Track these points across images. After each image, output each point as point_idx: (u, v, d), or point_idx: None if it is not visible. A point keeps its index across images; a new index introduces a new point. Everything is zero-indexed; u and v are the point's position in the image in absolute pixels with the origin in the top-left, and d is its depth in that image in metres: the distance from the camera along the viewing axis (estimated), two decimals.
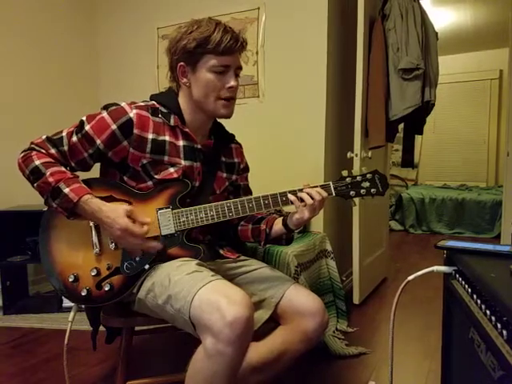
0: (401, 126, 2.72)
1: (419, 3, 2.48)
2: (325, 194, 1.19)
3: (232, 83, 1.22)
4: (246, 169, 1.50)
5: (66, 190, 1.13)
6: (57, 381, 1.64)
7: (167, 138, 1.24)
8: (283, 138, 2.50)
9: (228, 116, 1.28)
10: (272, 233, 1.34)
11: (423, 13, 2.48)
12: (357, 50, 2.33)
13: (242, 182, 1.47)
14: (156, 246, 1.18)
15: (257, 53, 2.54)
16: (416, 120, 2.58)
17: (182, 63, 1.22)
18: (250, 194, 1.49)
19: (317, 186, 1.21)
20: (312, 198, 1.17)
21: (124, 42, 3.10)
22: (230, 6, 2.60)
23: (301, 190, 1.20)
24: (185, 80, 1.24)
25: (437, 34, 2.55)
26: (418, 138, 5.44)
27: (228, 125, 1.42)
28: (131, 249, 1.18)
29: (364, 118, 2.41)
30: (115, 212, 1.13)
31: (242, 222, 1.42)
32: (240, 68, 1.27)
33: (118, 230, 1.12)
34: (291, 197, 1.19)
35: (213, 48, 1.18)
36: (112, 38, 3.16)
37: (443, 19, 4.53)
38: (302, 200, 1.18)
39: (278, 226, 1.32)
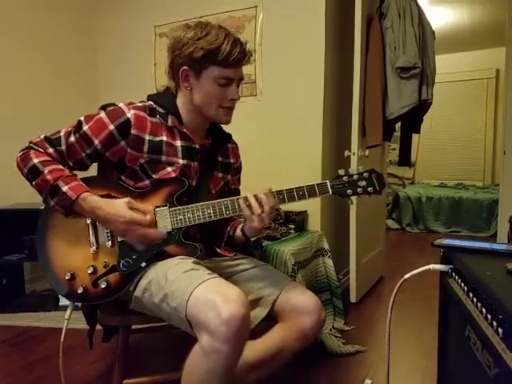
0: (398, 125, 2.72)
1: (416, 2, 2.48)
2: (272, 202, 1.17)
3: (234, 96, 1.23)
4: (239, 169, 1.50)
5: (65, 188, 1.14)
6: (54, 379, 1.64)
7: (164, 138, 1.24)
8: (281, 137, 2.50)
9: (227, 123, 1.30)
10: (235, 237, 1.35)
11: (420, 12, 2.49)
12: (354, 49, 2.33)
13: (233, 186, 1.47)
14: (163, 233, 1.19)
15: (254, 51, 2.54)
16: (413, 119, 2.59)
17: (185, 67, 1.21)
18: None
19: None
20: (261, 206, 1.16)
21: (122, 40, 3.09)
22: (228, 4, 2.60)
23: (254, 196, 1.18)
24: (186, 84, 1.24)
25: (434, 32, 2.55)
26: (415, 136, 5.46)
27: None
28: (137, 240, 1.17)
29: (361, 117, 2.41)
30: (116, 206, 1.13)
31: None
32: (242, 79, 1.28)
33: (123, 224, 1.12)
34: (242, 204, 1.18)
35: (220, 60, 1.17)
36: (110, 36, 3.15)
37: (440, 18, 4.53)
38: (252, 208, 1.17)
39: (238, 231, 1.34)
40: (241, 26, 2.56)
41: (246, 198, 1.18)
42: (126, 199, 1.16)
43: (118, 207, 1.13)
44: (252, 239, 1.29)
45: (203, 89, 1.22)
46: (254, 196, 1.18)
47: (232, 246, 1.40)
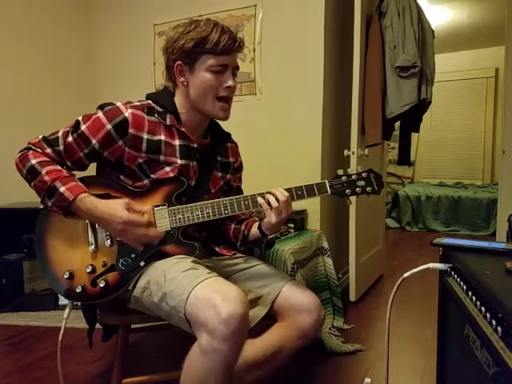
0: (397, 124, 2.72)
1: (416, 1, 2.48)
2: (286, 194, 1.17)
3: (230, 83, 1.23)
4: (240, 168, 1.49)
5: (62, 189, 1.13)
6: (53, 378, 1.64)
7: (162, 137, 1.24)
8: (280, 136, 2.50)
9: (225, 118, 1.28)
10: (250, 235, 1.34)
11: (420, 11, 2.49)
12: (353, 48, 2.33)
13: (234, 183, 1.47)
14: (160, 235, 1.19)
15: (254, 50, 2.54)
16: (412, 118, 2.59)
17: (179, 62, 1.22)
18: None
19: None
20: (277, 200, 1.17)
21: (121, 39, 3.08)
22: (227, 3, 2.59)
23: (268, 193, 1.19)
24: (182, 79, 1.24)
25: (433, 31, 2.55)
26: (414, 135, 5.46)
27: (225, 122, 1.41)
28: (135, 240, 1.17)
29: (361, 116, 2.41)
30: (113, 207, 1.13)
31: (226, 221, 1.42)
32: (237, 68, 1.27)
33: (120, 224, 1.12)
34: (260, 200, 1.19)
35: (211, 48, 1.18)
36: (109, 35, 3.14)
37: (440, 17, 4.53)
38: (269, 203, 1.18)
39: (254, 229, 1.33)
40: (240, 24, 2.56)
41: (261, 194, 1.19)
42: (125, 200, 1.16)
43: (115, 208, 1.13)
44: (270, 236, 1.29)
45: (198, 80, 1.21)
46: (268, 192, 1.19)
47: (247, 244, 1.39)
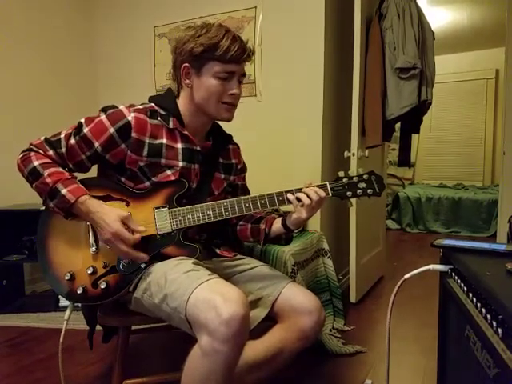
0: (397, 125, 2.73)
1: (416, 3, 2.48)
2: (323, 193, 1.19)
3: (235, 90, 1.23)
4: (244, 169, 1.50)
5: (64, 191, 1.14)
6: (54, 380, 1.64)
7: (164, 140, 1.24)
8: (280, 137, 2.50)
9: (229, 120, 1.29)
10: (271, 233, 1.34)
11: (420, 12, 2.49)
12: (354, 50, 2.33)
13: (239, 182, 1.48)
14: (143, 257, 1.18)
15: (254, 52, 2.53)
16: (413, 119, 2.59)
17: (186, 64, 1.22)
18: (248, 193, 1.49)
19: (314, 186, 1.21)
20: (309, 198, 1.17)
21: (121, 40, 3.09)
22: (227, 5, 2.60)
23: (299, 190, 1.20)
24: (187, 81, 1.24)
25: (433, 33, 2.55)
26: (414, 137, 5.46)
27: (225, 124, 1.41)
28: (118, 254, 1.18)
29: (361, 117, 2.41)
30: (110, 216, 1.14)
31: (240, 222, 1.42)
32: (244, 75, 1.28)
33: (109, 234, 1.13)
34: (290, 196, 1.19)
35: (220, 55, 1.18)
36: (109, 36, 3.15)
37: (440, 19, 4.54)
38: (299, 200, 1.19)
39: (276, 225, 1.33)
40: (240, 26, 2.56)
41: (291, 191, 1.20)
42: (124, 213, 1.16)
43: (111, 217, 1.14)
44: (296, 231, 1.33)
45: (203, 85, 1.22)
46: (299, 189, 1.20)
47: (267, 242, 1.39)
